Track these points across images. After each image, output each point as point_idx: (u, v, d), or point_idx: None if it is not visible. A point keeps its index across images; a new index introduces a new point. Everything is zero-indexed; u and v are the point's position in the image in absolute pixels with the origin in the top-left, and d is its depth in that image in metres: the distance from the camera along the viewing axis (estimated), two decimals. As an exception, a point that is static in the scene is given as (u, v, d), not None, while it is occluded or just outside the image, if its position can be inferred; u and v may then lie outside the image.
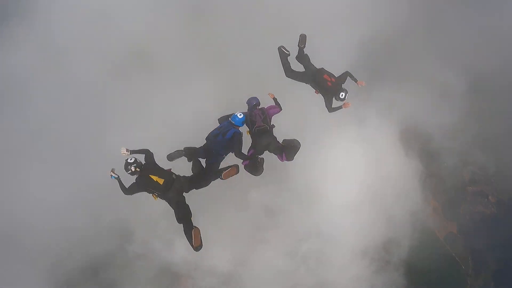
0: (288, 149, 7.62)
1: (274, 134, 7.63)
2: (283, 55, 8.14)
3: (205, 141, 7.96)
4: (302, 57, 8.20)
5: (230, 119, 7.73)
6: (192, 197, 8.89)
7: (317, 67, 8.11)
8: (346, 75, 7.96)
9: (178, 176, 7.49)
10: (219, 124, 8.10)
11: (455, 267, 24.36)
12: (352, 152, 21.59)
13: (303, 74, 8.09)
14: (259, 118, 7.53)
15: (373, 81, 27.27)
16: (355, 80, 7.99)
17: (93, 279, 31.12)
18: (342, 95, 7.78)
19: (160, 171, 7.27)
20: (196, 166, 8.01)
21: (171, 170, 7.53)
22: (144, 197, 9.42)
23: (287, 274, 26.32)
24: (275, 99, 8.21)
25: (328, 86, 7.72)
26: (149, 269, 32.46)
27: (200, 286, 31.69)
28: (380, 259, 25.13)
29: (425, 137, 25.48)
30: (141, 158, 7.52)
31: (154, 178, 7.08)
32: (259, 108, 7.83)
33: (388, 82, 25.62)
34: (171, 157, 7.96)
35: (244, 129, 8.13)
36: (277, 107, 8.05)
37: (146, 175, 7.13)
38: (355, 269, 24.16)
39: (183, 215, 7.66)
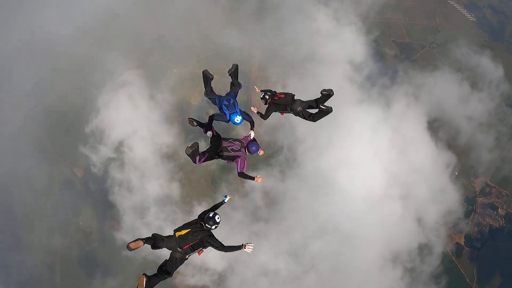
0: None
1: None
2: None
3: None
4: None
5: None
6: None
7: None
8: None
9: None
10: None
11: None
12: (376, 137, 18.75)
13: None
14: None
15: (400, 61, 24.50)
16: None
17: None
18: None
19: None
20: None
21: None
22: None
23: (290, 279, 22.79)
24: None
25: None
26: (134, 260, 30.06)
27: (189, 284, 29.04)
28: (415, 269, 20.67)
29: (454, 129, 22.55)
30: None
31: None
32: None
33: (418, 64, 22.89)
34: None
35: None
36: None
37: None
38: (384, 279, 19.60)
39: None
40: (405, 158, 18.84)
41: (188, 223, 7.37)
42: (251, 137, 8.21)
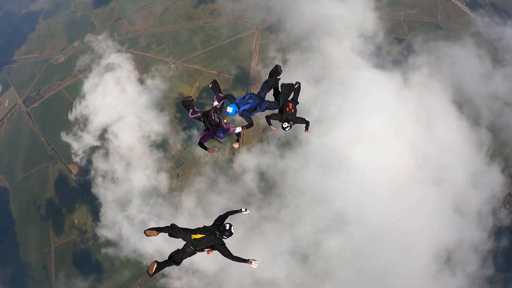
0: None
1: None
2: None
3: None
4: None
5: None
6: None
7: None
8: (305, 121, 8.90)
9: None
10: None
11: None
12: (396, 108, 15.58)
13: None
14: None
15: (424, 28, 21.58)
16: (306, 129, 9.04)
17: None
18: (285, 125, 8.44)
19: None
20: None
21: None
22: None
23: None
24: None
25: (286, 110, 8.52)
26: (115, 258, 26.93)
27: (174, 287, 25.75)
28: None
29: (480, 105, 19.27)
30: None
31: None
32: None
33: (443, 33, 20.06)
34: None
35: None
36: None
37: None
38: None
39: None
40: (433, 134, 15.47)
41: (205, 228, 7.45)
42: (235, 131, 8.13)
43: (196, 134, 27.68)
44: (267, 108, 8.32)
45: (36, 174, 28.70)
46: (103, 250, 25.24)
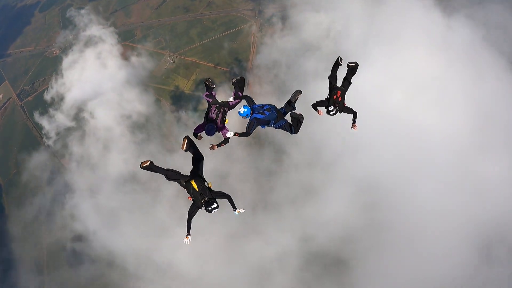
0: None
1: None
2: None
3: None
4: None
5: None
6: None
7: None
8: (352, 111, 8.47)
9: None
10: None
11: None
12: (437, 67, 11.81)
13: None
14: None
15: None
16: (354, 122, 8.50)
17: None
18: (331, 108, 8.19)
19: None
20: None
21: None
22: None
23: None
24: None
25: (333, 98, 8.35)
26: (84, 255, 22.58)
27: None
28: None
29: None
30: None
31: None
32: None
33: None
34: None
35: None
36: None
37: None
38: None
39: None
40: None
41: (203, 187, 7.16)
42: (225, 134, 7.66)
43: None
44: (280, 128, 7.88)
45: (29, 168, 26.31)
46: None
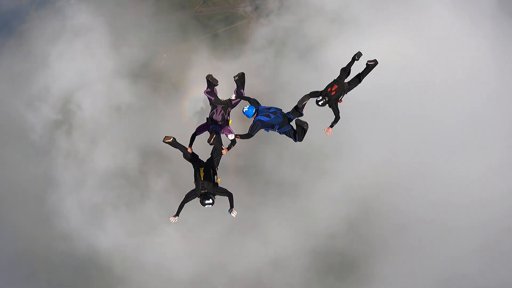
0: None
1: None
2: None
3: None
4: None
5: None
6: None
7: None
8: (337, 114, 7.93)
9: None
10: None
11: None
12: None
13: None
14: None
15: None
16: (331, 126, 7.96)
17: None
18: (319, 98, 7.91)
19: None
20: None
21: None
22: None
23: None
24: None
25: (327, 90, 8.04)
26: (68, 255, 20.89)
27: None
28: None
29: None
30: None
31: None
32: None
33: None
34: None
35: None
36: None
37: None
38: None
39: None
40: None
41: (209, 180, 7.08)
42: (227, 136, 7.33)
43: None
44: (285, 133, 7.67)
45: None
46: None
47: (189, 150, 7.24)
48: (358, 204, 18.72)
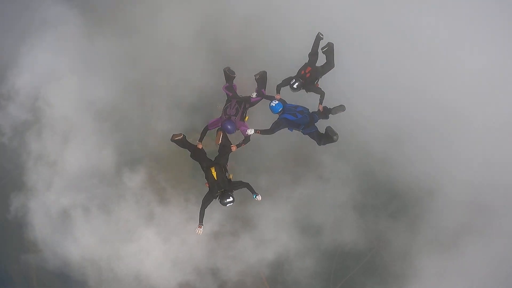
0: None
1: None
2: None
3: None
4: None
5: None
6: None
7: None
8: (320, 91, 7.49)
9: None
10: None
11: None
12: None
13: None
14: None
15: None
16: (320, 102, 7.47)
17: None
18: (293, 81, 7.49)
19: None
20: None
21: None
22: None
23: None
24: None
25: (300, 73, 7.64)
26: (37, 269, 18.23)
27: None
28: None
29: None
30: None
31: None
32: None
33: None
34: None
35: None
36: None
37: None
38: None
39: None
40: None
41: (223, 178, 6.66)
42: (246, 132, 6.92)
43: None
44: (309, 135, 7.15)
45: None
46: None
47: (199, 145, 6.77)
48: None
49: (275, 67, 10.63)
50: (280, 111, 6.98)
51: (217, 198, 6.40)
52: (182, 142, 6.56)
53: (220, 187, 6.34)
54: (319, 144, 7.10)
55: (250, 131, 6.76)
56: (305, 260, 18.07)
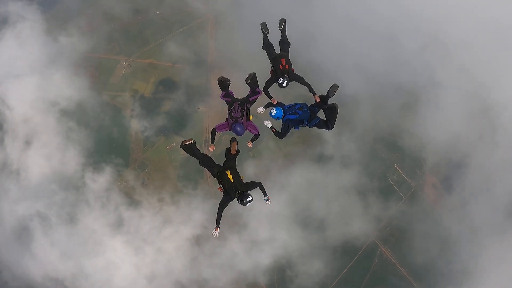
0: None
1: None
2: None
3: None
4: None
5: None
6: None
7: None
8: (304, 82, 7.65)
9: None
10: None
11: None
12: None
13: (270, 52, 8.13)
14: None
15: None
16: (313, 93, 7.61)
17: None
18: (281, 80, 7.52)
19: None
20: None
21: None
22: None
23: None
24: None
25: (279, 68, 7.70)
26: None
27: None
28: None
29: None
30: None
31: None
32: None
33: None
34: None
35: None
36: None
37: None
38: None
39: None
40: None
41: (238, 180, 6.79)
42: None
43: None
44: (315, 126, 7.35)
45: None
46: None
47: (211, 148, 7.13)
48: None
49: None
50: (283, 116, 7.08)
51: (237, 199, 6.54)
52: (191, 148, 6.63)
53: (238, 189, 6.48)
54: (328, 128, 7.26)
55: (268, 124, 7.03)
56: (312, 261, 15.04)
